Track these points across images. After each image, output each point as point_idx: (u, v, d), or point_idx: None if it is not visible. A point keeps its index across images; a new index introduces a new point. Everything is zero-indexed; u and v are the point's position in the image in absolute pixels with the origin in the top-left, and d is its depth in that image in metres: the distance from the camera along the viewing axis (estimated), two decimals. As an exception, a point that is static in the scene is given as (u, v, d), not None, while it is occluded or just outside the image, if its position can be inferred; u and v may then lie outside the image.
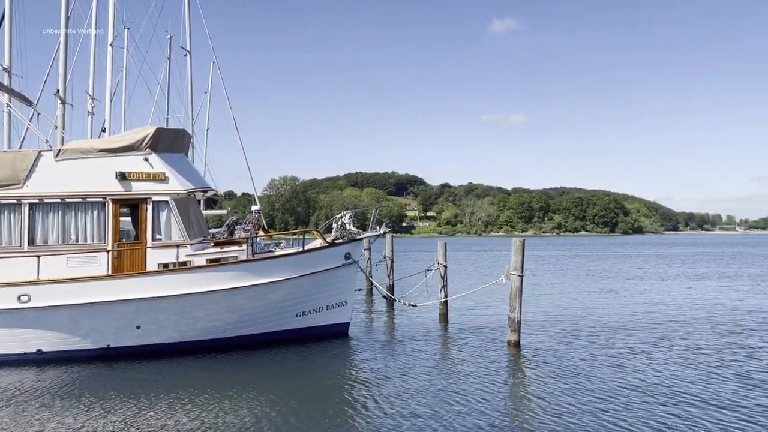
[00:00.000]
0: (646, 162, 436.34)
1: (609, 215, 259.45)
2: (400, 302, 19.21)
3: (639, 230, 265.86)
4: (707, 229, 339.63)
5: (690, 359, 14.52)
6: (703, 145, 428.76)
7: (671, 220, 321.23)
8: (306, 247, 16.53)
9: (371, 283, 23.96)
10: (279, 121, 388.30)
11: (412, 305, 18.97)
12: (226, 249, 16.39)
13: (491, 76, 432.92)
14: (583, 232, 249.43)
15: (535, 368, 13.55)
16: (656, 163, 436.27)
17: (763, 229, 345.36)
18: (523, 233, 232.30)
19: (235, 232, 19.05)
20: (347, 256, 16.81)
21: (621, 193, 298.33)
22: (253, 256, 15.98)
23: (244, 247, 16.09)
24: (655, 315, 21.63)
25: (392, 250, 24.98)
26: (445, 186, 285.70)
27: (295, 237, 19.32)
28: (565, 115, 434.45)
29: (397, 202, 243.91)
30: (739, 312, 22.29)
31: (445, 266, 19.66)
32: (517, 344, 15.38)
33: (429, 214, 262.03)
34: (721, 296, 27.64)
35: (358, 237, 17.05)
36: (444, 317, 19.74)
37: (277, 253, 16.70)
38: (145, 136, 15.93)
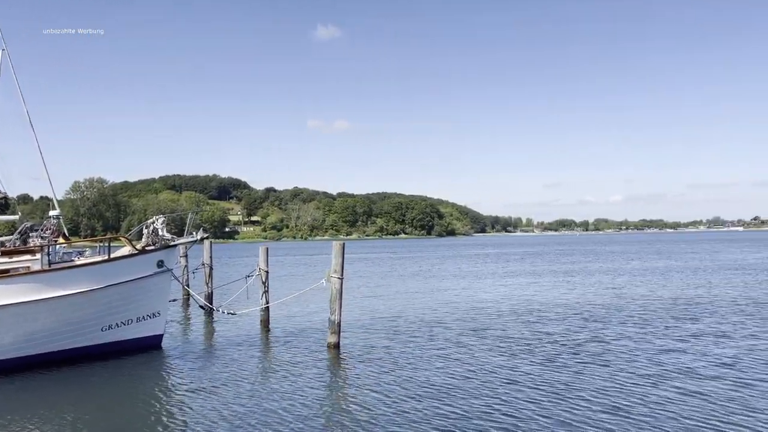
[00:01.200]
0: (459, 168, 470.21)
1: (426, 219, 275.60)
2: (219, 311, 18.54)
3: (452, 232, 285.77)
4: (510, 231, 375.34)
5: (503, 347, 15.90)
6: (506, 154, 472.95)
7: (480, 223, 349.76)
8: (112, 255, 15.28)
9: (188, 292, 22.89)
10: (86, 118, 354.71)
11: (232, 313, 18.43)
12: (16, 259, 14.56)
13: (316, 81, 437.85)
14: (403, 235, 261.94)
15: (352, 367, 13.88)
16: (467, 170, 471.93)
17: (556, 230, 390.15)
18: (348, 237, 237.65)
19: (29, 239, 17.01)
20: (160, 263, 15.85)
21: (436, 198, 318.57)
22: (49, 266, 14.40)
23: (39, 256, 14.44)
24: (471, 310, 23.27)
25: (211, 257, 24.04)
26: (270, 190, 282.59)
27: (101, 244, 17.76)
28: (385, 121, 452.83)
29: (219, 206, 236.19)
30: (542, 304, 24.77)
31: (267, 271, 19.36)
32: (336, 346, 15.61)
33: (254, 218, 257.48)
34: (527, 290, 30.55)
35: (172, 243, 16.15)
36: (265, 324, 19.43)
37: (77, 262, 15.20)
38: None
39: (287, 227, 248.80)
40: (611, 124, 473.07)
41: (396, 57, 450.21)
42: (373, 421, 10.09)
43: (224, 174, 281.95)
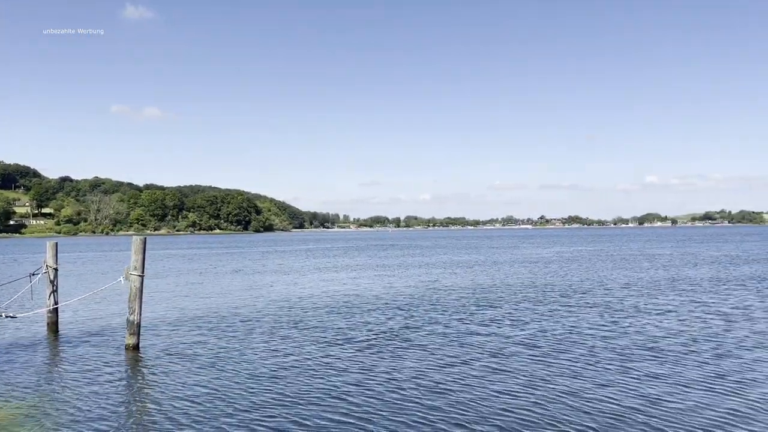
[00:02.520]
0: (277, 164, 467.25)
1: (243, 214, 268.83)
2: (-5, 314, 15.98)
3: (270, 228, 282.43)
4: (328, 227, 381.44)
5: (325, 338, 15.87)
6: (324, 152, 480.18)
7: (298, 219, 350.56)
8: None
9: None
10: None
11: (12, 317, 16.07)
12: None
13: (122, 63, 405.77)
14: (218, 230, 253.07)
15: (153, 367, 12.85)
16: (285, 166, 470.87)
17: (371, 226, 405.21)
18: (156, 232, 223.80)
19: None
20: None
21: (254, 193, 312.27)
22: None
23: None
24: (291, 304, 22.75)
25: (-14, 252, 20.80)
26: (65, 179, 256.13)
27: None
28: (199, 110, 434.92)
29: (2, 196, 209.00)
30: (360, 296, 25.03)
31: (56, 269, 17.13)
32: (136, 347, 14.27)
33: (45, 211, 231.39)
34: (346, 284, 30.79)
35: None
36: (54, 326, 17.21)
37: None
38: None
39: (86, 221, 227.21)
40: (424, 126, 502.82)
41: (214, 43, 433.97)
42: (177, 419, 9.35)
43: (9, 160, 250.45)
